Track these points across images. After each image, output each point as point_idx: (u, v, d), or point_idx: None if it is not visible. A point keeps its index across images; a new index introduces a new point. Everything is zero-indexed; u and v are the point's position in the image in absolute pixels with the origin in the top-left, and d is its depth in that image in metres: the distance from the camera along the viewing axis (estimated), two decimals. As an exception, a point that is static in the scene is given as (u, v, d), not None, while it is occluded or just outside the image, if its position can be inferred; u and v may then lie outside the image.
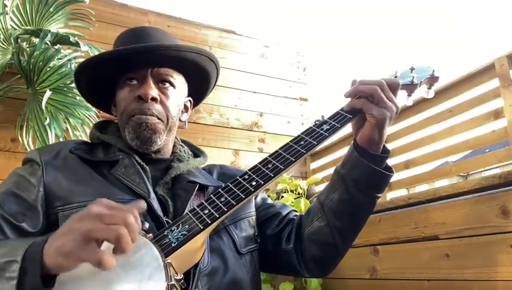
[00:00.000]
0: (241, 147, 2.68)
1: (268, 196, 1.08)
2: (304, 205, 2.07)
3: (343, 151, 2.51)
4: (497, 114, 1.73)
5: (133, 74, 0.90)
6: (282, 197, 2.21)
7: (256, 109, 2.81)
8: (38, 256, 0.58)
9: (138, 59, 0.89)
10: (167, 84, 0.93)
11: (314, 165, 2.80)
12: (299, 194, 2.31)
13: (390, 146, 2.16)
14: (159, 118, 0.90)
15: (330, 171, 2.56)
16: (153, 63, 0.90)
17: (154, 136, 0.90)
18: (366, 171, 0.84)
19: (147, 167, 0.89)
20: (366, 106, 0.82)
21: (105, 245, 0.56)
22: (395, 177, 2.18)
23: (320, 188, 2.46)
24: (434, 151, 2.02)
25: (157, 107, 0.89)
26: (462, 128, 1.88)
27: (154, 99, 0.89)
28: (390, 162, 0.90)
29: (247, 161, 2.61)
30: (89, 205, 0.59)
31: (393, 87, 0.85)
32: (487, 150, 2.19)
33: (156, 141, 0.90)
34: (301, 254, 0.93)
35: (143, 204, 0.62)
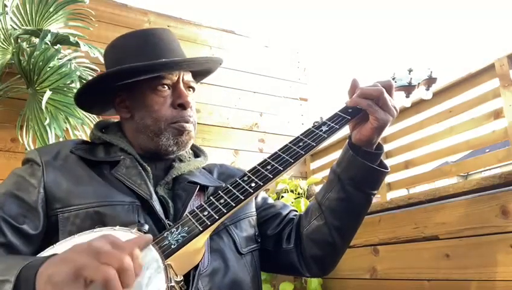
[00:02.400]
0: (241, 147, 2.67)
1: (269, 196, 1.09)
2: (303, 205, 2.07)
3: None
4: (497, 114, 1.73)
5: (164, 80, 0.91)
6: (282, 197, 2.22)
7: (256, 109, 2.81)
8: (32, 279, 0.57)
9: (173, 68, 0.91)
10: (191, 91, 0.96)
11: (314, 165, 2.80)
12: (299, 194, 2.31)
13: (390, 146, 2.18)
14: (193, 125, 0.94)
15: (330, 171, 2.55)
16: (181, 70, 0.93)
17: (189, 142, 0.94)
18: (361, 169, 0.85)
19: (148, 168, 0.89)
20: (372, 109, 0.83)
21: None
22: (395, 177, 2.18)
23: (320, 188, 2.46)
24: (434, 151, 2.02)
25: (192, 114, 0.93)
26: (462, 128, 1.88)
27: (190, 106, 0.92)
28: (390, 162, 0.91)
29: (247, 161, 2.61)
30: (95, 238, 0.58)
31: (387, 88, 0.86)
32: (487, 150, 2.19)
33: (189, 146, 0.95)
34: (301, 254, 0.94)
35: (150, 238, 0.63)
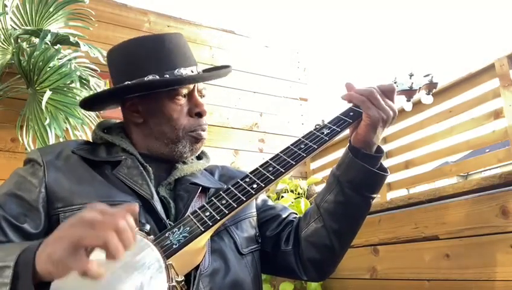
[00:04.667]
0: (241, 147, 2.68)
1: (269, 197, 1.09)
2: (304, 205, 2.07)
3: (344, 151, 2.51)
4: (497, 114, 1.73)
5: (182, 90, 0.91)
6: (282, 197, 2.21)
7: (256, 109, 2.82)
8: (31, 262, 0.58)
9: (198, 81, 0.93)
10: (203, 99, 0.97)
11: (314, 165, 2.80)
12: (299, 194, 2.31)
13: (390, 146, 2.18)
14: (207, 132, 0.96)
15: (330, 171, 2.56)
16: (198, 80, 0.95)
17: (201, 148, 0.96)
18: (361, 172, 0.85)
19: (150, 168, 0.89)
20: (365, 105, 0.85)
21: (99, 252, 0.55)
22: (395, 177, 2.19)
23: (320, 188, 2.46)
24: (434, 151, 2.02)
25: (206, 122, 0.95)
26: (462, 128, 1.88)
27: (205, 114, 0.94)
28: (390, 162, 0.91)
29: (247, 161, 2.61)
30: (83, 210, 0.58)
31: (389, 92, 0.88)
32: (487, 150, 2.19)
33: (199, 151, 0.97)
34: (299, 256, 0.94)
35: (136, 207, 0.61)
